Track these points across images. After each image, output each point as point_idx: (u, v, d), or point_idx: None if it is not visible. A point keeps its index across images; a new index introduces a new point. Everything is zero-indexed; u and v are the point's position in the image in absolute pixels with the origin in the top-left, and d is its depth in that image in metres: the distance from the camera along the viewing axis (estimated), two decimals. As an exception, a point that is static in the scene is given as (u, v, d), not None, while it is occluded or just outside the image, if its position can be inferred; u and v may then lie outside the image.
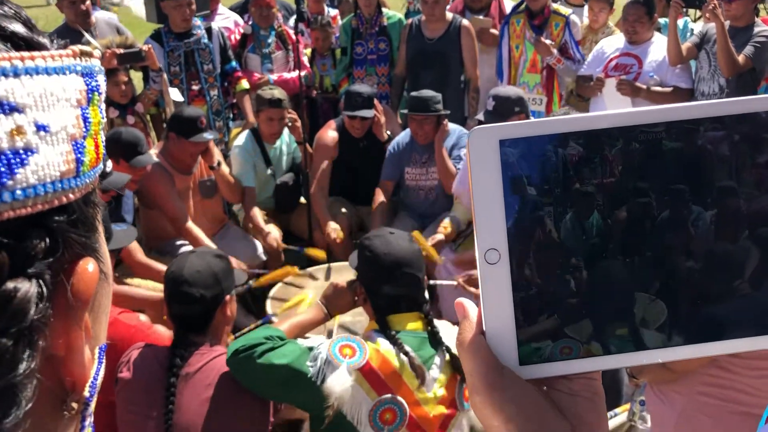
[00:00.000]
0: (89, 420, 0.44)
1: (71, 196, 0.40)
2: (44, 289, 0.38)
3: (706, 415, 1.71)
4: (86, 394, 0.42)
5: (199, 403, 2.05)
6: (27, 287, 0.37)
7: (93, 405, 0.44)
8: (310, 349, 2.00)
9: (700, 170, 0.51)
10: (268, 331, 2.08)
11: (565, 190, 0.51)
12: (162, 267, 3.02)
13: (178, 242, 3.82)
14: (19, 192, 0.36)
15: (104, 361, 0.46)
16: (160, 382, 2.06)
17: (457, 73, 4.90)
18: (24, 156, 0.37)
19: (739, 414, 1.66)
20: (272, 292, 3.45)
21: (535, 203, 0.51)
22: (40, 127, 0.38)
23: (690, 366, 1.70)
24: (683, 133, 0.51)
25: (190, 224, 3.78)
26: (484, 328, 0.53)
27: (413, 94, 4.11)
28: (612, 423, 2.34)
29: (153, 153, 3.82)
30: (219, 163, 3.99)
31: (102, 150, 0.44)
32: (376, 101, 4.28)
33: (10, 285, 0.37)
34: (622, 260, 0.52)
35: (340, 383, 1.93)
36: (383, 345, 2.03)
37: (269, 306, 3.32)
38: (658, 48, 4.52)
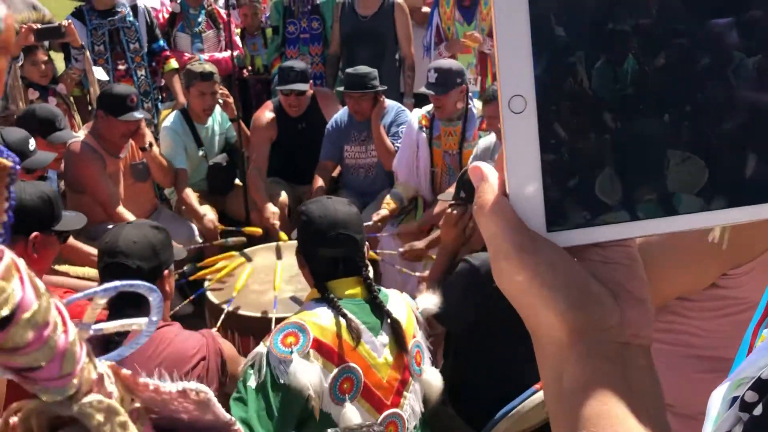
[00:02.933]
0: None
1: None
2: None
3: (658, 361, 1.70)
4: None
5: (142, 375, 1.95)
6: None
7: None
8: (251, 366, 1.88)
9: (746, 8, 0.44)
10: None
11: (598, 32, 0.45)
12: (92, 249, 2.88)
13: (110, 226, 3.65)
14: None
15: None
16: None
17: (392, 50, 4.86)
18: None
19: (691, 357, 1.67)
20: (208, 284, 3.32)
21: (564, 46, 0.45)
22: None
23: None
24: None
25: (121, 209, 3.64)
26: (507, 190, 0.47)
27: (348, 71, 4.04)
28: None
29: (82, 134, 3.65)
30: (151, 145, 3.84)
31: None
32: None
33: None
34: (659, 113, 0.45)
35: (301, 371, 1.85)
36: (322, 315, 1.97)
37: (209, 295, 3.19)
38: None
